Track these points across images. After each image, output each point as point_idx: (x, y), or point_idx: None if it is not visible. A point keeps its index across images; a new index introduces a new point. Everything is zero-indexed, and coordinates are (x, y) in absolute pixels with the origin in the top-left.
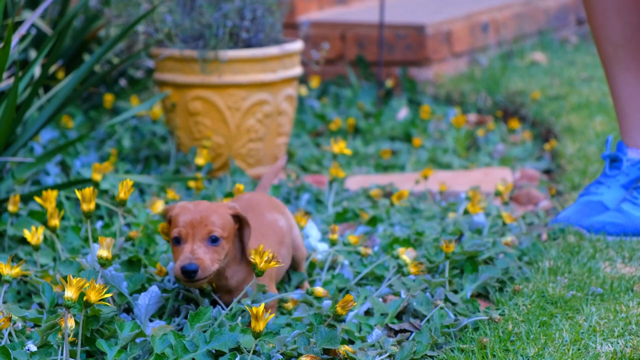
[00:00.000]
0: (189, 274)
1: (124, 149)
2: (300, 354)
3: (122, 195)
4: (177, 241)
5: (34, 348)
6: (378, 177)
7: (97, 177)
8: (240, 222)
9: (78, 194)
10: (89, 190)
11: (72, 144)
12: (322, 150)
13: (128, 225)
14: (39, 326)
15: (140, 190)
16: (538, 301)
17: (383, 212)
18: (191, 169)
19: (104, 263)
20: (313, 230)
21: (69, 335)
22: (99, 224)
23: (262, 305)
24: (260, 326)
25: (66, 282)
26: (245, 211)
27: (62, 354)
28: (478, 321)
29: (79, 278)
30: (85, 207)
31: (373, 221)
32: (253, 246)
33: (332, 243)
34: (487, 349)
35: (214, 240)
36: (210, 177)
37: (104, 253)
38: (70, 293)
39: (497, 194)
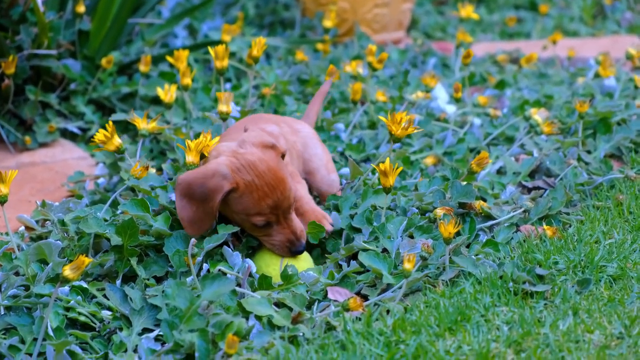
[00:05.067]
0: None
1: (249, 16)
2: (435, 208)
3: (255, 52)
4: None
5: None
6: (504, 43)
7: (226, 37)
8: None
9: (211, 51)
10: (221, 47)
11: (198, 8)
12: (446, 18)
13: (256, 87)
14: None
15: (267, 54)
16: None
17: (510, 76)
18: (316, 34)
19: (224, 118)
20: (441, 92)
21: None
22: (228, 85)
23: (388, 159)
24: (389, 181)
25: (187, 148)
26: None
27: None
28: (614, 179)
29: (197, 140)
30: (218, 64)
31: (501, 85)
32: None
33: (457, 101)
34: (623, 205)
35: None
36: (335, 41)
37: (224, 108)
38: (190, 158)
39: (628, 57)
